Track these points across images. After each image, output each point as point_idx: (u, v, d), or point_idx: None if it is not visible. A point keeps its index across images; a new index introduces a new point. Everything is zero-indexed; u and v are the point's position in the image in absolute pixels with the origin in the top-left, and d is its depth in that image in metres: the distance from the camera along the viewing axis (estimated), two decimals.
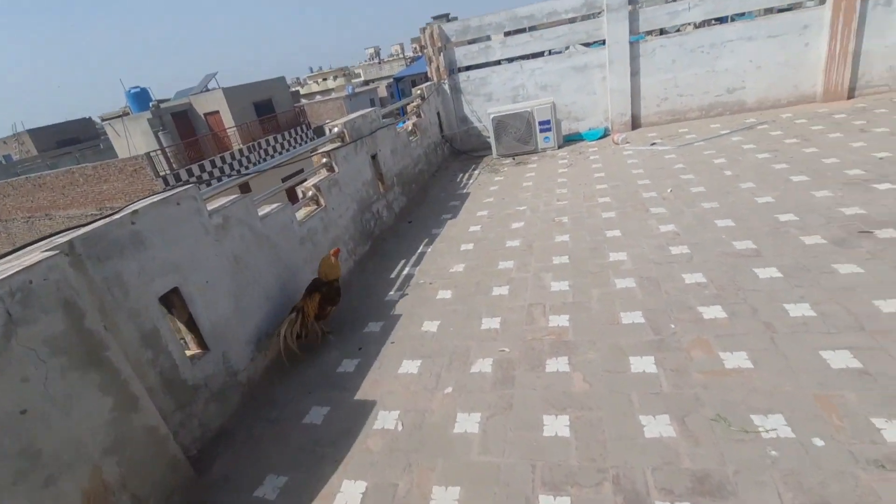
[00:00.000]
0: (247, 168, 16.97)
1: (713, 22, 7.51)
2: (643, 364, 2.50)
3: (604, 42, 7.01)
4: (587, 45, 7.85)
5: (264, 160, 17.92)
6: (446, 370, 2.78)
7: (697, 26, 10.49)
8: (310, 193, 4.13)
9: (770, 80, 6.77)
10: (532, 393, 2.46)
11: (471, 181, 6.56)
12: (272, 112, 20.72)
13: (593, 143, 7.18)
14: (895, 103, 5.98)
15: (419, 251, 4.54)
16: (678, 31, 9.08)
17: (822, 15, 6.34)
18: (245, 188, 9.18)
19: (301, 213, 3.92)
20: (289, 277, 3.43)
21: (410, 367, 2.87)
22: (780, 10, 6.96)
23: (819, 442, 1.89)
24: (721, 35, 6.73)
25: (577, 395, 2.38)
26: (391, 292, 3.86)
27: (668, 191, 4.69)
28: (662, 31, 9.10)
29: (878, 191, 3.82)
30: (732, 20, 8.46)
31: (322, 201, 4.13)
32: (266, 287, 3.17)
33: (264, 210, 3.38)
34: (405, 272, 4.18)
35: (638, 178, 5.27)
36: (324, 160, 4.41)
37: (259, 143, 18.17)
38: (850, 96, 6.62)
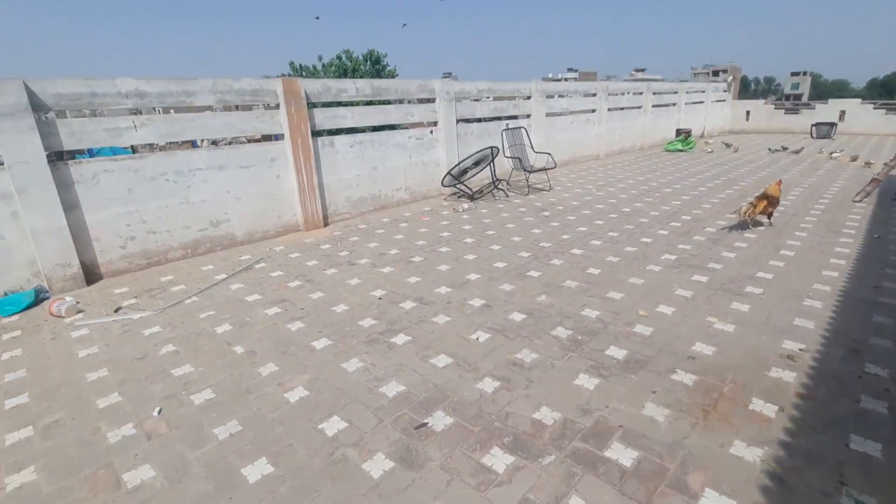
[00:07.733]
0: None
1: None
2: None
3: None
4: None
5: None
6: None
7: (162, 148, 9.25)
8: None
9: (254, 212, 6.20)
10: None
11: None
12: None
13: (12, 318, 4.30)
14: (361, 229, 6.63)
15: None
16: (134, 153, 7.39)
17: (285, 149, 6.37)
18: None
19: None
20: None
21: None
22: (250, 141, 6.62)
23: None
24: (187, 162, 5.61)
25: None
26: None
27: (156, 412, 2.84)
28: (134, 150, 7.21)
29: (398, 346, 3.46)
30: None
31: None
32: None
33: None
34: None
35: (97, 391, 3.08)
36: None
37: None
38: (326, 223, 6.99)
